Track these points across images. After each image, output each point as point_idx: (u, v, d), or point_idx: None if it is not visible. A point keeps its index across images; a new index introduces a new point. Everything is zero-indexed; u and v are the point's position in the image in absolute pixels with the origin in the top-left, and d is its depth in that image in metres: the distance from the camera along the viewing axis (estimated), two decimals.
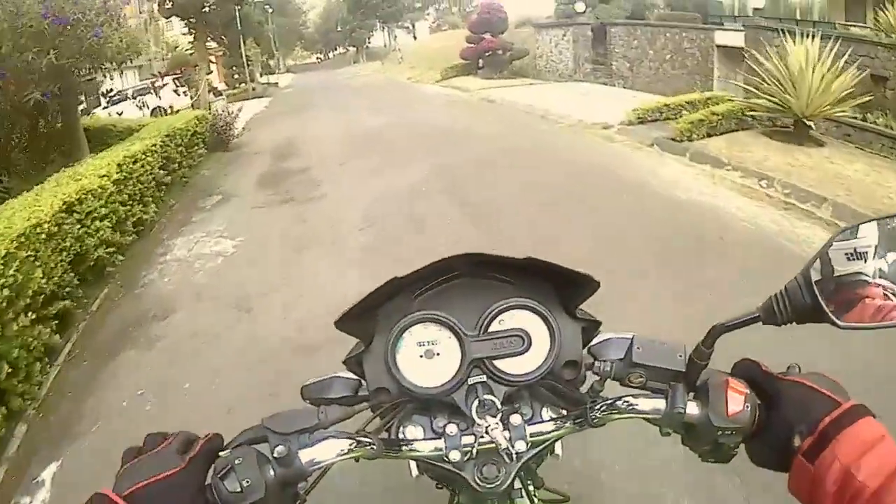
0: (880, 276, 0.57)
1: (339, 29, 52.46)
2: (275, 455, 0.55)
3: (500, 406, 0.62)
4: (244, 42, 20.61)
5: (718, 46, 12.29)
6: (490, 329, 0.65)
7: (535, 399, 0.67)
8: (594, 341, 0.69)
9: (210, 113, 9.56)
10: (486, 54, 17.38)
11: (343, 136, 9.46)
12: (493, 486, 0.60)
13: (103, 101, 9.46)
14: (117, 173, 4.63)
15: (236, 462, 0.53)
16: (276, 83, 29.39)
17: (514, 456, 0.60)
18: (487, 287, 0.68)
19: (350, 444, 0.59)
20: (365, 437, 0.60)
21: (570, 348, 0.66)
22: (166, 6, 14.56)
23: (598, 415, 0.61)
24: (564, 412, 0.66)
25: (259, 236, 4.94)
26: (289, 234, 4.86)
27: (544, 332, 0.65)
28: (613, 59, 16.33)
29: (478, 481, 0.61)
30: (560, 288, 0.68)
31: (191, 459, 0.53)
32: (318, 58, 71.34)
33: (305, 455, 0.57)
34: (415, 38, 53.00)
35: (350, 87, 20.35)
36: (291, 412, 0.60)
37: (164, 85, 13.62)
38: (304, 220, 5.20)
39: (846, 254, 0.57)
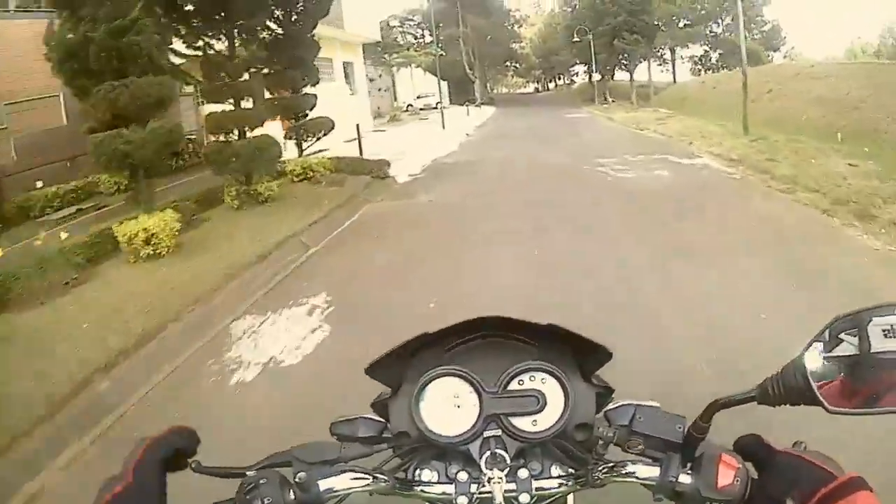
0: (875, 365, 0.57)
1: (576, 39, 31.70)
2: (296, 480, 0.63)
3: (509, 460, 0.68)
4: (233, 41, 7.40)
5: None
6: (509, 387, 0.70)
7: (546, 456, 0.72)
8: (610, 406, 0.72)
9: None
10: None
11: None
12: None
13: None
14: None
15: (261, 482, 0.62)
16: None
17: None
18: (511, 348, 0.74)
19: (366, 479, 0.67)
20: (381, 473, 0.69)
21: (582, 411, 0.71)
22: None
23: (599, 476, 0.67)
24: (572, 471, 0.71)
25: None
26: None
27: (560, 394, 0.70)
28: None
29: None
30: (577, 354, 0.73)
31: (134, 471, 0.55)
32: (535, 88, 58.72)
33: (324, 484, 0.66)
34: (674, 79, 34.91)
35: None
36: (317, 444, 0.71)
37: None
38: None
39: (883, 330, 0.56)
